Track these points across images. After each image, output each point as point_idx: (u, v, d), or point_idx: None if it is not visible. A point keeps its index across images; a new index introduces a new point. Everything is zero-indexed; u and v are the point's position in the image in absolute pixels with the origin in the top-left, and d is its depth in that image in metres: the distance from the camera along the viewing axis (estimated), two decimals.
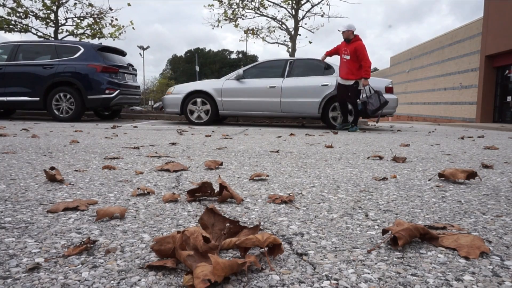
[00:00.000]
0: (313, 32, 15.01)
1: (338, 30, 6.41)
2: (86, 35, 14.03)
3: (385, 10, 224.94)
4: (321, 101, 7.11)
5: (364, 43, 6.23)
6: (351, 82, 6.34)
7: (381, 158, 2.67)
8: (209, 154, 2.74)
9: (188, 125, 7.23)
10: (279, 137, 4.64)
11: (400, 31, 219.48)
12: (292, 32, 14.43)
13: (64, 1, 13.17)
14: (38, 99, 7.43)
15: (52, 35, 13.58)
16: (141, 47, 43.06)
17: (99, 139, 3.67)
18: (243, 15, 14.94)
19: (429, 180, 1.86)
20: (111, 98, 7.48)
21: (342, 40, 6.52)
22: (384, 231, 0.97)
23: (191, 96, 7.45)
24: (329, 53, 6.74)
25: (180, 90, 7.56)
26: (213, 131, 5.50)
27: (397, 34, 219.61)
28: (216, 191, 1.41)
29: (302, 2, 14.11)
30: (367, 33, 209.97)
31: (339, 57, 6.72)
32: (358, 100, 6.35)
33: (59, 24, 13.46)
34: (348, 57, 6.32)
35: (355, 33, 6.38)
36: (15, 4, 12.51)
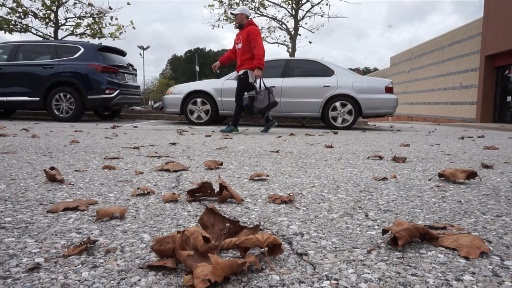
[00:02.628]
0: (313, 32, 15.02)
1: (231, 13, 5.59)
2: (86, 35, 14.03)
3: (388, 9, 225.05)
4: (322, 102, 7.12)
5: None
6: (241, 73, 5.44)
7: (381, 158, 2.67)
8: (209, 154, 2.74)
9: (188, 125, 7.23)
10: (279, 137, 4.64)
11: (402, 30, 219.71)
12: (292, 32, 14.44)
13: (64, 0, 13.17)
14: (38, 99, 7.43)
15: (52, 35, 13.59)
16: (141, 47, 43.04)
17: (99, 139, 3.67)
18: None
19: (429, 180, 1.86)
20: (111, 98, 7.48)
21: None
22: (384, 231, 0.97)
23: (191, 96, 7.45)
24: (224, 59, 5.74)
25: (180, 90, 7.57)
26: (213, 131, 5.50)
27: (399, 33, 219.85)
28: (216, 191, 1.40)
29: (302, 2, 14.11)
30: (369, 33, 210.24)
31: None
32: (245, 94, 5.57)
33: (59, 24, 13.46)
34: (240, 45, 5.46)
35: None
36: (14, 4, 12.51)
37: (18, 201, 1.29)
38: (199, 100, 7.43)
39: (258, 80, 5.44)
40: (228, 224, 0.95)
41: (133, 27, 14.11)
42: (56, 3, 13.09)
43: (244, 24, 5.47)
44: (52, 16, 13.29)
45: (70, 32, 13.71)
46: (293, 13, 14.27)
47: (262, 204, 1.33)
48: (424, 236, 0.97)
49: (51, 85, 7.40)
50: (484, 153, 3.23)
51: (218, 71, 5.70)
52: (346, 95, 7.07)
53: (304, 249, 0.90)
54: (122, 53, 8.62)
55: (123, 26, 14.30)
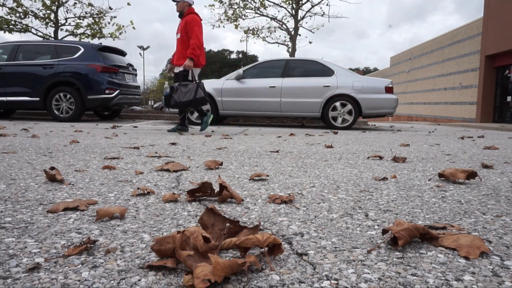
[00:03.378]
0: (313, 32, 15.03)
1: (173, 0, 4.99)
2: (86, 35, 14.03)
3: (388, 9, 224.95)
4: (322, 102, 7.12)
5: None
6: (181, 68, 4.92)
7: (381, 158, 2.67)
8: (209, 154, 2.74)
9: (188, 125, 7.23)
10: (279, 137, 4.64)
11: (403, 30, 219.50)
12: (292, 32, 14.45)
13: (64, 0, 13.18)
14: (38, 99, 7.43)
15: (52, 35, 13.59)
16: (141, 47, 43.07)
17: (99, 139, 3.67)
18: (243, 15, 14.96)
19: (429, 180, 1.86)
20: (111, 98, 7.48)
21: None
22: (384, 231, 0.97)
23: None
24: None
25: None
26: (213, 131, 5.51)
27: (400, 33, 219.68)
28: (216, 191, 1.40)
29: (302, 2, 14.12)
30: (370, 33, 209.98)
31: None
32: (165, 83, 5.10)
33: (59, 24, 13.47)
34: (178, 35, 4.95)
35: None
36: (15, 4, 12.51)
37: (18, 201, 1.29)
38: None
39: (190, 72, 4.92)
40: (228, 224, 0.95)
41: (133, 27, 14.11)
42: (56, 3, 13.09)
43: (184, 13, 4.92)
44: (52, 16, 13.30)
45: (70, 32, 13.72)
46: (293, 13, 14.27)
47: (262, 204, 1.33)
48: (424, 236, 0.97)
49: (51, 85, 7.40)
50: (484, 153, 3.23)
51: (172, 74, 5.17)
52: (346, 95, 7.07)
53: (304, 249, 0.90)
54: (122, 53, 8.62)
55: (123, 26, 14.30)
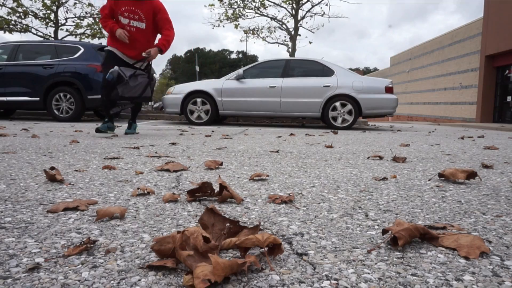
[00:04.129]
0: (313, 32, 15.04)
1: None
2: (86, 35, 14.04)
3: (389, 9, 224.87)
4: (322, 102, 7.12)
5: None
6: (144, 65, 4.10)
7: (381, 158, 2.67)
8: (209, 154, 2.74)
9: (188, 125, 7.23)
10: (279, 137, 4.64)
11: (404, 30, 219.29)
12: (292, 32, 14.45)
13: (64, 1, 13.18)
14: (38, 99, 7.43)
15: (52, 35, 13.59)
16: None
17: (99, 139, 3.67)
18: (243, 14, 14.97)
19: (429, 180, 1.86)
20: None
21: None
22: (384, 231, 0.97)
23: (191, 96, 7.46)
24: (115, 26, 3.79)
25: (180, 90, 7.57)
26: (213, 131, 5.51)
27: (400, 33, 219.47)
28: (216, 191, 1.40)
29: (303, 2, 14.12)
30: (370, 33, 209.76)
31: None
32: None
33: (59, 24, 13.47)
34: (143, 25, 3.89)
35: None
36: (15, 4, 12.52)
37: (18, 201, 1.29)
38: (199, 100, 7.43)
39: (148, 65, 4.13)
40: (228, 224, 0.95)
41: None
42: (56, 3, 13.10)
43: None
44: (52, 16, 13.31)
45: (70, 32, 13.73)
46: (293, 13, 14.27)
47: (262, 204, 1.33)
48: (424, 236, 0.97)
49: (51, 85, 7.40)
50: (484, 153, 3.23)
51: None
52: (346, 95, 7.07)
53: (304, 249, 0.90)
54: None
55: None
